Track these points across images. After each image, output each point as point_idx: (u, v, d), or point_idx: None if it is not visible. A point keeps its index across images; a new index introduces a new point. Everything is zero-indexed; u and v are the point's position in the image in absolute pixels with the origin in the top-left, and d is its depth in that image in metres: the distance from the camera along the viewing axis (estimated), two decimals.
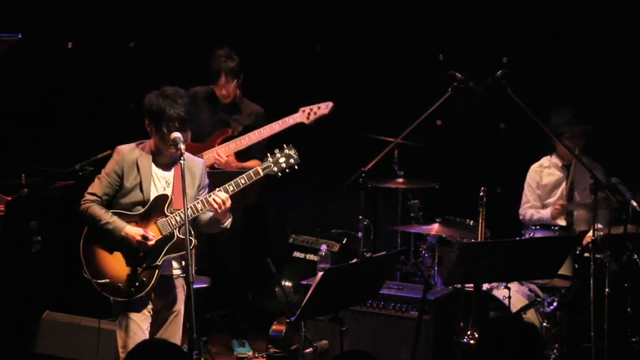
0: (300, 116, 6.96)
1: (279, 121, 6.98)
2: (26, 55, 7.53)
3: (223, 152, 7.09)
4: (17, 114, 7.93)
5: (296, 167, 5.59)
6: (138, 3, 8.41)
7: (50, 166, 7.17)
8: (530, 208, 7.48)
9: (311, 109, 6.97)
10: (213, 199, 5.47)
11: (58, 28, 8.21)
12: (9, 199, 6.62)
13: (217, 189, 5.53)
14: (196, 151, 6.99)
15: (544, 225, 7.16)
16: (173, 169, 5.61)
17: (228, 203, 5.49)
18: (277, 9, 8.56)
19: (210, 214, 5.60)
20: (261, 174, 5.55)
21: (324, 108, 6.99)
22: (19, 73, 7.78)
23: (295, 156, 5.59)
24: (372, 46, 8.49)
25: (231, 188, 5.52)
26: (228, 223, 5.61)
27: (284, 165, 5.57)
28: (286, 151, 5.59)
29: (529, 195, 7.51)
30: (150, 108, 5.51)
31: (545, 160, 7.50)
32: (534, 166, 7.53)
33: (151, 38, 8.49)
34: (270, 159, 5.58)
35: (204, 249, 7.23)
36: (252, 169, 5.56)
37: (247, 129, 7.24)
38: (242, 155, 7.18)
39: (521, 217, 7.52)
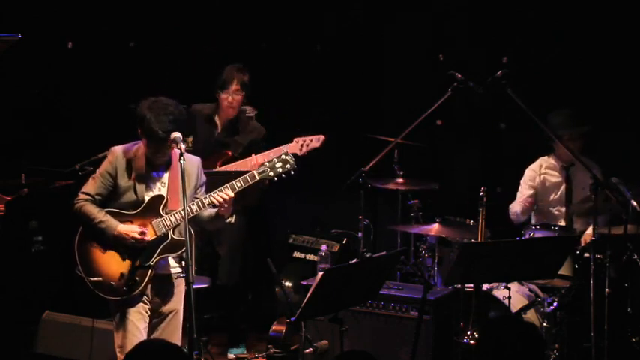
0: (293, 147, 7.03)
1: (275, 150, 7.01)
2: (26, 55, 7.53)
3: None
4: (17, 114, 7.93)
5: (292, 173, 5.65)
6: (138, 3, 8.41)
7: (50, 166, 7.17)
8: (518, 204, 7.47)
9: (304, 141, 7.04)
10: (215, 198, 5.52)
11: (58, 28, 8.22)
12: (9, 199, 6.63)
13: (218, 189, 5.57)
14: None
15: (544, 225, 7.16)
16: (168, 170, 5.63)
17: (231, 202, 5.54)
18: (277, 9, 8.55)
19: (211, 210, 5.64)
20: (257, 178, 5.62)
21: (316, 141, 7.06)
22: (19, 73, 7.78)
23: (292, 162, 5.65)
24: (372, 46, 8.48)
25: (227, 191, 5.57)
26: (231, 218, 5.65)
27: (280, 170, 5.63)
28: (283, 156, 5.65)
29: (523, 192, 7.48)
30: (138, 116, 5.51)
31: (542, 161, 7.49)
32: (531, 167, 7.51)
33: (151, 38, 8.49)
34: (266, 163, 5.64)
35: (205, 249, 7.25)
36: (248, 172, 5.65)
37: (248, 147, 7.24)
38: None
39: (510, 215, 7.49)
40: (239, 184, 5.57)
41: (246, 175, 5.61)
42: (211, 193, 5.56)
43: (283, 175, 5.66)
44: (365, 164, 6.87)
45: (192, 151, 7.28)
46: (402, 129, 6.94)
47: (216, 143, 7.30)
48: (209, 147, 7.28)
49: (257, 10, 8.58)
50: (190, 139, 7.41)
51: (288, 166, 5.65)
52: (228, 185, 5.57)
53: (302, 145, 7.03)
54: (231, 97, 7.26)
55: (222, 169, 7.13)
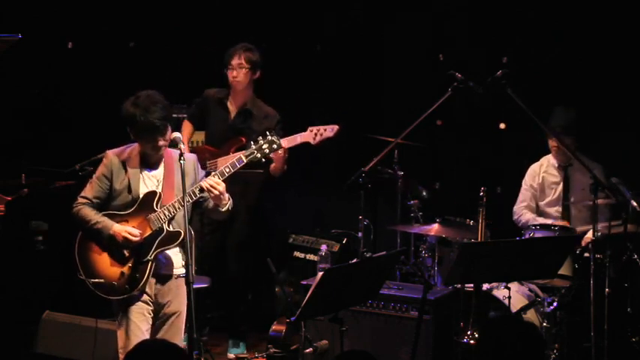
0: (307, 135, 7.02)
1: (288, 138, 6.99)
2: (26, 55, 7.54)
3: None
4: (17, 114, 7.94)
5: (280, 152, 5.63)
6: (138, 3, 8.41)
7: (50, 166, 7.18)
8: (527, 209, 7.46)
9: (318, 130, 7.02)
10: (204, 186, 5.51)
11: (58, 28, 8.22)
12: (9, 199, 6.63)
13: (206, 177, 5.60)
14: (214, 156, 7.12)
15: (544, 225, 7.16)
16: (161, 166, 5.66)
17: (220, 187, 5.52)
18: (277, 9, 8.55)
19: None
20: (245, 161, 5.62)
21: (330, 131, 7.03)
22: (19, 73, 7.78)
23: (278, 141, 5.67)
24: (372, 46, 8.48)
25: (216, 178, 5.57)
26: (226, 207, 5.63)
27: (267, 151, 5.65)
28: (269, 137, 5.67)
29: (525, 193, 7.50)
30: (126, 117, 5.54)
31: (544, 160, 7.50)
32: (533, 166, 7.53)
33: (151, 38, 8.49)
34: (253, 146, 5.65)
35: (206, 249, 7.25)
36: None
37: (263, 134, 7.24)
38: None
39: (515, 217, 7.49)
40: (227, 169, 5.58)
41: (234, 160, 5.61)
42: (200, 181, 5.57)
43: (271, 156, 5.68)
44: (365, 164, 6.87)
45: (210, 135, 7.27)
46: (402, 129, 6.94)
47: (229, 129, 7.28)
48: (222, 133, 7.27)
49: (257, 10, 8.58)
50: (202, 138, 7.43)
51: (274, 145, 5.66)
52: (217, 172, 5.58)
53: (316, 134, 7.01)
54: (235, 71, 7.24)
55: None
